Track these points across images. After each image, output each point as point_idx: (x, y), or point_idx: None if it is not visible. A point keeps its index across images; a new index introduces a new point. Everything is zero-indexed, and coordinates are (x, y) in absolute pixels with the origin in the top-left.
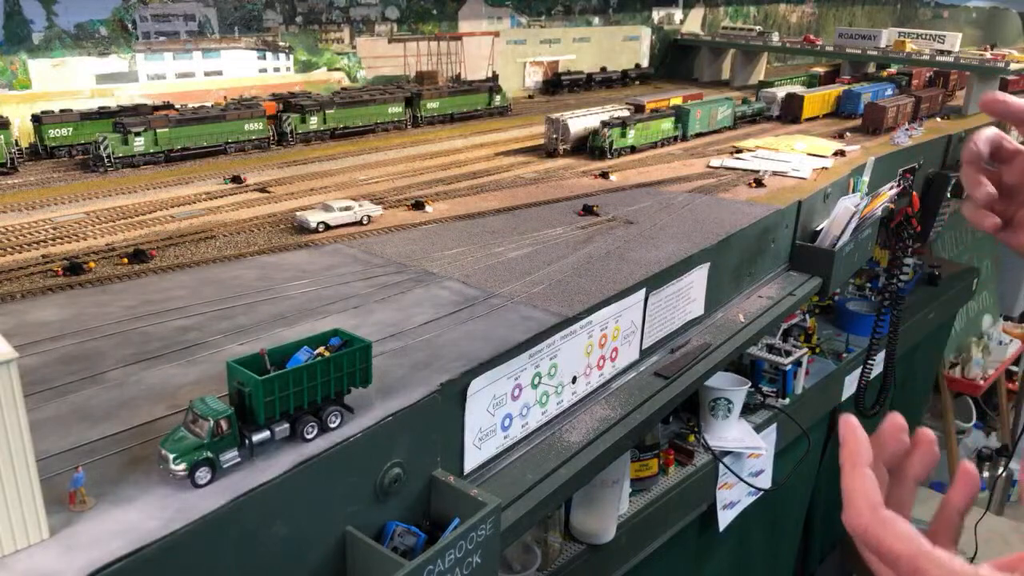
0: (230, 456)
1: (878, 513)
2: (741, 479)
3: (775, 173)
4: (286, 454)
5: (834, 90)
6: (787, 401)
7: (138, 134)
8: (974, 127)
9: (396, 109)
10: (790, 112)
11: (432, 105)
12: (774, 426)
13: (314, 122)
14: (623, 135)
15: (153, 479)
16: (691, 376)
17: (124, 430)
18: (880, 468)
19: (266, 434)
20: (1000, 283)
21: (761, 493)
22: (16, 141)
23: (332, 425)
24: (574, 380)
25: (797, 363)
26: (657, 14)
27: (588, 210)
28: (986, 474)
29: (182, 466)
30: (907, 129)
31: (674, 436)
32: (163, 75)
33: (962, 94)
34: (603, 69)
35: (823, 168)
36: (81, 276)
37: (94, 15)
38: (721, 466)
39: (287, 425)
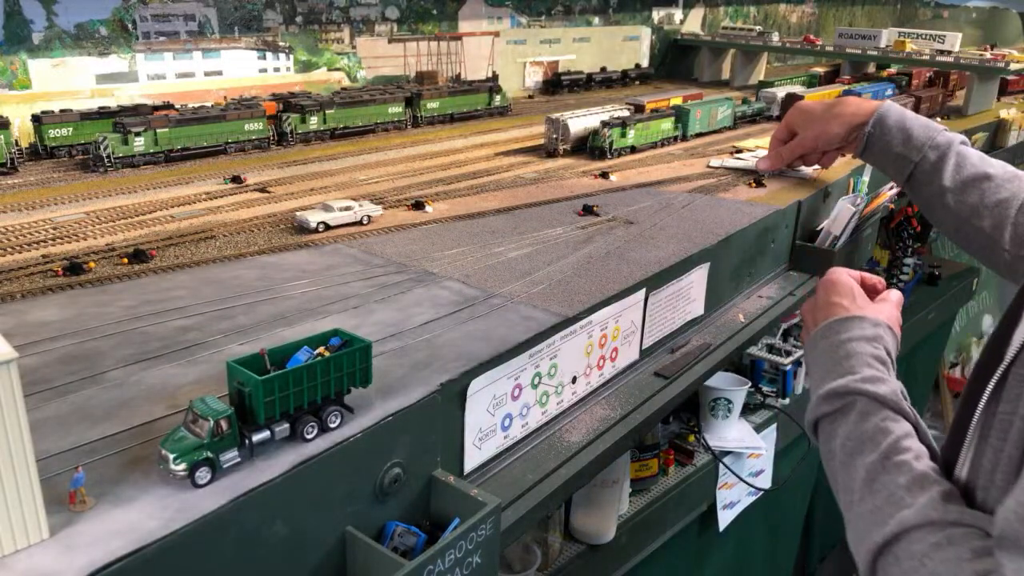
0: (230, 456)
1: None
2: (741, 479)
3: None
4: (286, 454)
5: (834, 90)
6: (787, 401)
7: (138, 134)
8: (974, 127)
9: (396, 109)
10: None
11: (432, 105)
12: (774, 426)
13: (314, 122)
14: (623, 135)
15: (153, 479)
16: (691, 376)
17: (124, 430)
18: None
19: (266, 434)
20: (1000, 283)
21: (761, 493)
22: (16, 141)
23: (332, 425)
24: (574, 380)
25: (797, 363)
26: (657, 14)
27: (588, 210)
28: None
29: (182, 466)
30: None
31: (674, 436)
32: (163, 75)
33: (962, 94)
34: (603, 69)
35: (823, 168)
36: (81, 276)
37: (94, 15)
38: (721, 466)
39: (287, 425)
